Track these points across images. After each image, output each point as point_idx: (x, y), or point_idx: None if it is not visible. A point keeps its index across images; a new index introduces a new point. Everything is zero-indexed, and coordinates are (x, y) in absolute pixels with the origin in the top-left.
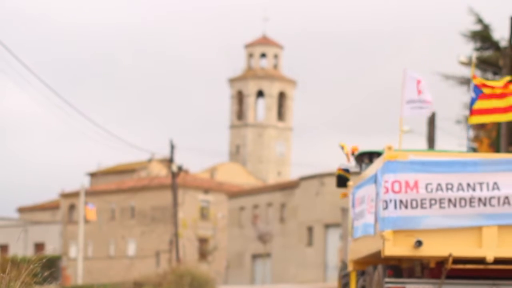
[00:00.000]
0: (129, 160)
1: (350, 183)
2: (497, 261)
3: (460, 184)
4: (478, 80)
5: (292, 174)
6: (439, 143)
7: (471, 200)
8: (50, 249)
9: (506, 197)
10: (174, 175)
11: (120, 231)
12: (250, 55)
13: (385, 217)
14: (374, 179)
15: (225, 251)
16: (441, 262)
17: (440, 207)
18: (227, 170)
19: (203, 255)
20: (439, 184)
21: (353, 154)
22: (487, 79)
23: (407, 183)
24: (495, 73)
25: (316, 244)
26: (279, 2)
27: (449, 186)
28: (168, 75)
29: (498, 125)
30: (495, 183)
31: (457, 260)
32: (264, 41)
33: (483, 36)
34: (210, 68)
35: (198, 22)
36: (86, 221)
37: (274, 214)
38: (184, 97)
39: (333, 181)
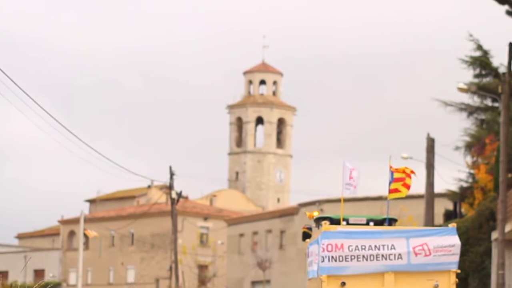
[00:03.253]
0: (129, 187)
1: (307, 240)
2: None
3: (370, 246)
4: (393, 169)
5: (291, 200)
6: (438, 169)
7: (377, 256)
8: (50, 276)
9: (399, 254)
10: (173, 201)
11: (119, 258)
12: (250, 82)
13: (322, 267)
14: (317, 241)
15: (224, 277)
16: None
17: (357, 260)
18: (226, 196)
19: (202, 281)
20: (356, 246)
21: (313, 217)
22: (487, 106)
23: (336, 245)
24: (494, 100)
25: None
26: (278, 30)
27: (363, 247)
28: (167, 102)
29: (497, 151)
30: (392, 245)
31: None
32: (263, 68)
33: (482, 62)
34: (210, 95)
35: (197, 49)
36: (86, 248)
37: (273, 241)
38: (183, 124)
39: (333, 207)
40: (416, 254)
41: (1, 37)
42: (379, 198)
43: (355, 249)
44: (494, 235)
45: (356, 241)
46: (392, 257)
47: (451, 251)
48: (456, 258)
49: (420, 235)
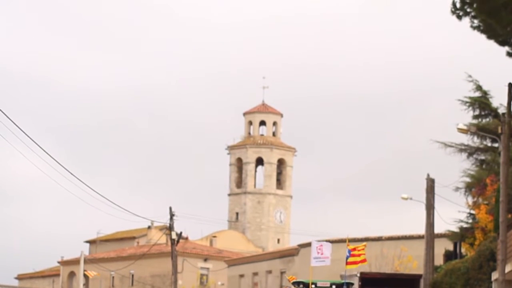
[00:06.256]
0: (129, 228)
1: None
2: None
3: None
4: (351, 247)
5: (292, 241)
6: (438, 210)
7: None
8: None
9: None
10: (173, 242)
11: None
12: (250, 123)
13: None
14: None
15: None
16: None
17: None
18: (226, 237)
19: None
20: None
21: (291, 281)
22: (487, 146)
23: None
24: (493, 140)
25: None
26: (278, 70)
27: None
28: (167, 142)
29: (497, 192)
30: None
31: None
32: (263, 108)
33: (482, 103)
34: (210, 135)
35: (198, 90)
36: None
37: (273, 282)
38: (183, 165)
39: (333, 247)
40: None
41: (4, 77)
42: (379, 239)
43: None
44: (495, 275)
45: None
46: None
47: None
48: None
49: None
